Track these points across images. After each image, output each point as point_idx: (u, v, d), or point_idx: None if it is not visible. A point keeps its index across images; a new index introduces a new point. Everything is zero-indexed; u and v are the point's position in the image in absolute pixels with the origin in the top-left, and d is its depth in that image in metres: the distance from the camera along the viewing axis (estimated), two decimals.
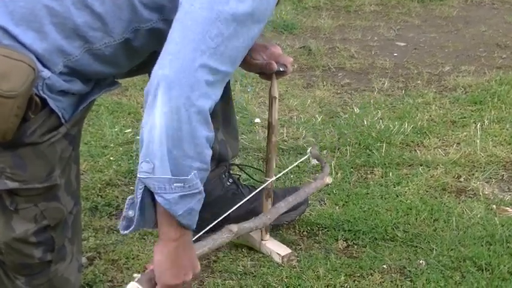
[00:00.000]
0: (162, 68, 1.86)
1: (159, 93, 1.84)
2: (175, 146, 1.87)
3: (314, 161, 2.87)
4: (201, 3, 1.91)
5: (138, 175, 1.93)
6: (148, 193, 1.95)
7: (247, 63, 2.54)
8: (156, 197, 1.93)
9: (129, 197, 2.02)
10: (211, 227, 2.37)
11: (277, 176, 2.73)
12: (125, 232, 2.04)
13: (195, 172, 1.92)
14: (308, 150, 2.85)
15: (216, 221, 2.41)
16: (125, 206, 2.02)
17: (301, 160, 2.96)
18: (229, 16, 1.91)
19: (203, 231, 2.28)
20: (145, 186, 1.93)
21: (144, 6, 2.02)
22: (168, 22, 2.02)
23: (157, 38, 2.08)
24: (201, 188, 1.96)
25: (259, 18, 2.00)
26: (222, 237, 2.33)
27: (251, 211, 2.71)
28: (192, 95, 1.85)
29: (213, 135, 1.95)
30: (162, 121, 1.85)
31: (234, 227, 2.36)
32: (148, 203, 1.98)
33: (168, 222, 1.97)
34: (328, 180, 2.80)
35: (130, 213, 2.01)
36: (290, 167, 2.98)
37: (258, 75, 2.66)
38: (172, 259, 2.00)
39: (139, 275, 2.05)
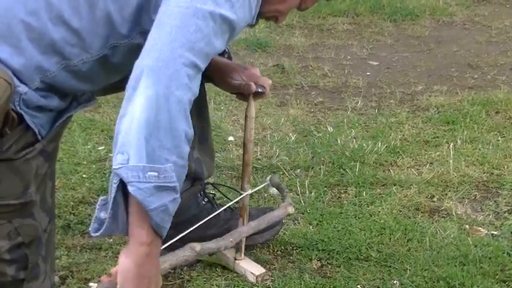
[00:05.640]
0: (142, 59, 1.89)
1: (140, 83, 1.85)
2: (153, 134, 1.85)
3: (273, 190, 2.80)
4: (177, 2, 1.95)
5: (112, 167, 1.89)
6: (122, 193, 1.91)
7: (225, 83, 2.54)
8: (129, 187, 1.87)
9: (102, 198, 1.97)
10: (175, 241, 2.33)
11: (251, 191, 2.71)
12: (96, 235, 1.97)
13: (171, 165, 1.89)
14: (268, 178, 2.78)
15: (179, 236, 2.37)
16: (97, 207, 1.97)
17: (258, 187, 2.86)
18: (208, 14, 1.95)
19: (165, 245, 2.19)
20: (119, 182, 1.88)
21: (123, 20, 2.02)
22: (146, 35, 2.03)
23: (137, 54, 2.07)
24: (177, 185, 1.92)
25: (234, 25, 2.03)
26: (184, 254, 2.29)
27: (226, 230, 2.70)
28: (171, 84, 1.86)
29: (191, 133, 1.94)
30: (141, 109, 1.84)
31: (197, 246, 2.32)
32: (120, 202, 1.92)
33: (140, 222, 1.92)
34: (291, 209, 2.74)
35: (102, 215, 1.96)
36: (247, 192, 2.72)
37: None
38: (139, 265, 1.95)
39: (95, 285, 2.03)
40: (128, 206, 1.93)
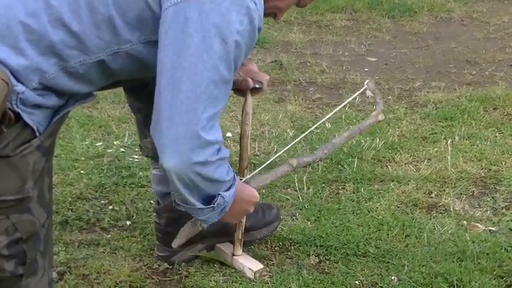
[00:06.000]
0: (161, 133, 2.05)
1: (169, 171, 2.09)
2: (196, 191, 2.19)
3: (370, 93, 2.87)
4: (185, 56, 1.98)
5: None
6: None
7: None
8: (198, 220, 2.36)
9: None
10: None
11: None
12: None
13: (222, 194, 2.24)
14: (366, 82, 2.86)
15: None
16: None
17: (357, 93, 2.94)
18: (217, 60, 1.99)
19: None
20: None
21: (126, 24, 2.01)
22: (149, 45, 2.02)
23: (136, 62, 2.08)
24: (228, 195, 2.27)
25: (247, 43, 2.05)
26: (283, 170, 2.58)
27: (223, 227, 2.71)
28: (193, 157, 2.06)
29: (222, 155, 2.16)
30: (182, 188, 2.15)
31: (294, 161, 2.59)
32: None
33: None
34: (381, 117, 2.86)
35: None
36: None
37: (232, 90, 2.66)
38: (231, 216, 2.41)
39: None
40: None
